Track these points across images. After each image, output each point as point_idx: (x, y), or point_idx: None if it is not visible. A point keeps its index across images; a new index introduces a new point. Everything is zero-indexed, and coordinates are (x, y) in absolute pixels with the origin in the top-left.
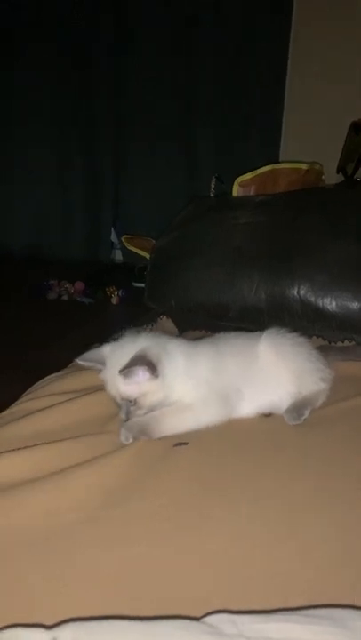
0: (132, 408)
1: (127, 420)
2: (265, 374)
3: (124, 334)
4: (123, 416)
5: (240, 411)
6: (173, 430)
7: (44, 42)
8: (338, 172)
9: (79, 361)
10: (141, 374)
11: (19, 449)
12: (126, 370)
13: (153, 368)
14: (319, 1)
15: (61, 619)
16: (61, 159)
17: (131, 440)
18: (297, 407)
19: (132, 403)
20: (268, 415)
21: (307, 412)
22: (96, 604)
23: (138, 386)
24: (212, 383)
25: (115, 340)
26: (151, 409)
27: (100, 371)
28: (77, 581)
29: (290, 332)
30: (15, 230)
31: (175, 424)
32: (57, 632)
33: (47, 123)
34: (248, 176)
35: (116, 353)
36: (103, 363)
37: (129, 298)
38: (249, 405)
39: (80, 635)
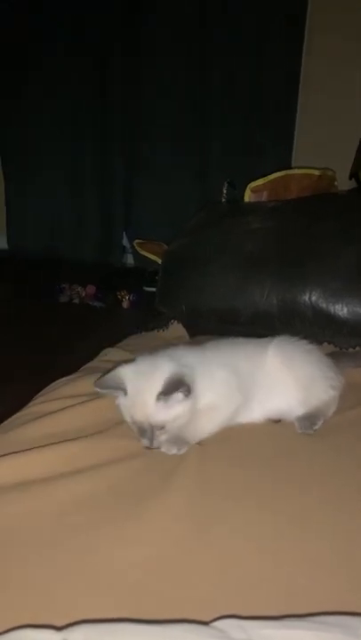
0: (157, 432)
1: (150, 447)
2: (272, 381)
3: (139, 357)
4: (146, 443)
5: (249, 415)
6: (208, 431)
7: (57, 42)
8: (350, 179)
9: (96, 388)
10: (176, 398)
11: (30, 449)
12: (165, 395)
13: (189, 391)
14: (333, 6)
15: (72, 620)
16: (74, 163)
17: (175, 450)
18: (310, 417)
19: (160, 428)
20: (277, 421)
21: (319, 423)
22: (106, 606)
23: (170, 410)
24: (228, 380)
25: (122, 348)
26: (176, 432)
27: (116, 397)
28: (88, 583)
29: (300, 339)
30: (28, 233)
31: (207, 425)
32: (67, 633)
33: (60, 126)
34: (260, 182)
35: (142, 378)
36: (123, 389)
37: (140, 302)
38: (257, 411)
39: (90, 636)
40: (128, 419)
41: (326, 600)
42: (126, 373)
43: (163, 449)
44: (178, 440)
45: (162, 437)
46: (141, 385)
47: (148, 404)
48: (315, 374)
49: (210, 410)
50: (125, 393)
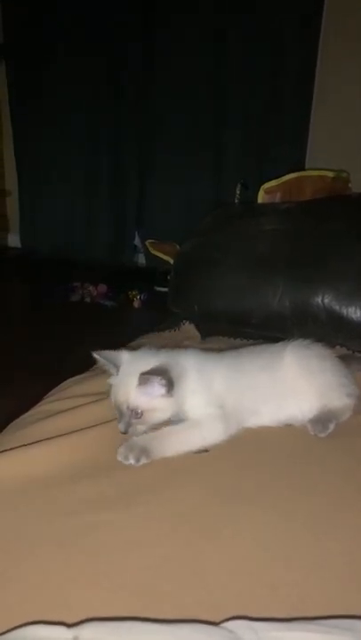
0: (134, 421)
1: (125, 432)
2: (288, 388)
3: (143, 346)
4: (121, 428)
5: (260, 420)
6: (176, 451)
7: (71, 44)
8: None
9: (95, 354)
10: (157, 388)
11: (37, 442)
12: (145, 377)
13: (170, 386)
14: (350, 5)
15: (82, 618)
16: (87, 164)
17: (132, 461)
18: (323, 419)
19: (138, 415)
20: (288, 425)
21: (331, 426)
22: (115, 607)
23: (150, 399)
24: (224, 400)
25: (134, 348)
26: (153, 427)
27: (110, 375)
28: (99, 581)
29: (315, 342)
30: (40, 232)
31: (179, 444)
32: (78, 631)
33: (73, 127)
34: (274, 183)
35: (135, 362)
36: (117, 366)
37: (150, 301)
38: (269, 416)
39: (100, 634)
40: (113, 399)
41: (336, 603)
42: (124, 356)
43: (119, 457)
44: (135, 449)
45: (140, 427)
46: (131, 368)
47: (129, 386)
48: (332, 382)
49: (189, 428)
50: (117, 372)
